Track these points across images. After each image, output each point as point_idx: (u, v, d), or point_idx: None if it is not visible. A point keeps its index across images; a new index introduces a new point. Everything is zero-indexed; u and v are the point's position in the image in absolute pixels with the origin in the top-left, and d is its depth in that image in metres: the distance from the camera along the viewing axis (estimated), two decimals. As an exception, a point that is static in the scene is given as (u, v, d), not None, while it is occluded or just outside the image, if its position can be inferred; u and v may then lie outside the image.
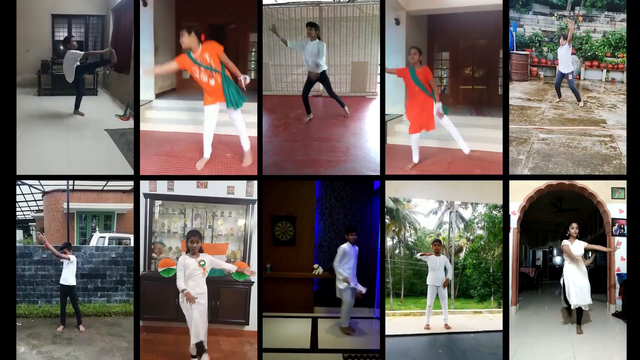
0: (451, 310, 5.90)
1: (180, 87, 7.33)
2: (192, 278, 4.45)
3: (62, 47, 6.17)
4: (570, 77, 6.19)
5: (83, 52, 6.22)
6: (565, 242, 5.29)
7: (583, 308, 5.20)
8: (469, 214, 6.02)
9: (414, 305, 5.54)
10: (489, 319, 5.75)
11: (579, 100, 6.22)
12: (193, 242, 4.46)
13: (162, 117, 6.27)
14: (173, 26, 7.01)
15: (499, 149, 4.91)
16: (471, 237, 6.07)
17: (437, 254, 5.43)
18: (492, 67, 6.83)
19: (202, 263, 4.47)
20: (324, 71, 6.25)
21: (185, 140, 5.69)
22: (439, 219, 5.98)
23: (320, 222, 6.63)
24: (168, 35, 6.81)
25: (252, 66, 7.10)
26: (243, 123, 4.99)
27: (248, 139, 5.01)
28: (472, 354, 4.94)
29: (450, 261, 5.88)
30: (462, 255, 6.13)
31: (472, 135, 5.52)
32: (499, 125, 5.03)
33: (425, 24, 6.79)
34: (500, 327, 4.83)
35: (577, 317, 5.24)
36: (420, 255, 5.51)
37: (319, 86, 6.61)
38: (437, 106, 5.16)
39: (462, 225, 6.05)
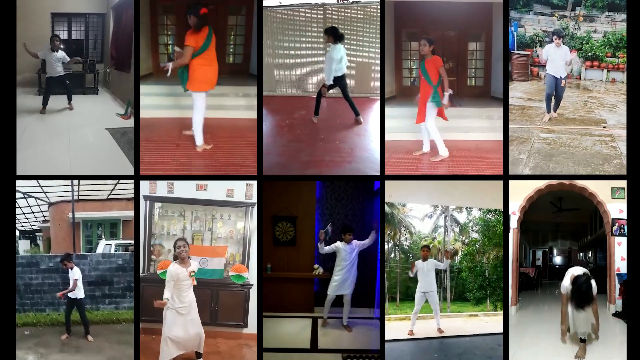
0: (447, 314, 5.91)
1: (158, 71, 7.06)
2: (180, 287, 4.36)
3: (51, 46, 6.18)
4: (563, 82, 5.80)
5: (69, 59, 6.24)
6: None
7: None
8: (464, 217, 6.04)
9: (410, 310, 5.52)
10: (484, 322, 5.74)
11: (554, 110, 5.84)
12: (179, 247, 4.40)
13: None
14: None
15: (472, 137, 5.15)
16: (466, 241, 6.09)
17: (425, 259, 5.39)
18: (461, 59, 6.75)
19: (193, 274, 4.40)
20: (337, 77, 6.14)
21: (163, 125, 5.70)
22: (434, 223, 5.99)
23: (321, 222, 6.62)
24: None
25: (231, 50, 6.97)
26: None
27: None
28: (467, 357, 4.93)
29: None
30: (457, 258, 6.14)
31: (444, 126, 5.52)
32: (470, 115, 5.20)
33: (392, 11, 6.55)
34: (496, 330, 4.82)
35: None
36: (411, 271, 5.48)
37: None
38: (446, 95, 5.21)
39: (457, 229, 6.06)
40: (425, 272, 5.38)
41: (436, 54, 5.29)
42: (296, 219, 6.46)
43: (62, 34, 6.81)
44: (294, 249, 6.48)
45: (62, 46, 6.18)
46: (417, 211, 5.82)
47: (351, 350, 5.05)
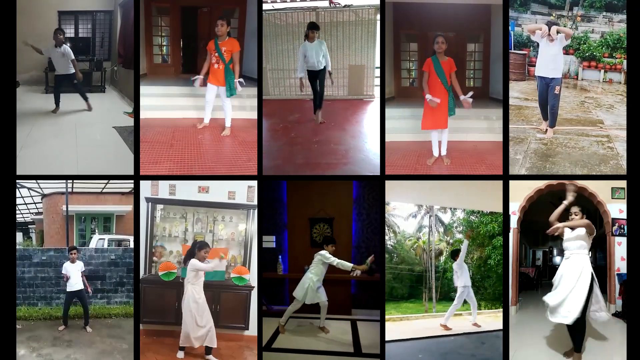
0: (432, 314, 5.96)
1: (151, 72, 7.25)
2: (197, 282, 4.68)
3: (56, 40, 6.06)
4: (557, 89, 5.28)
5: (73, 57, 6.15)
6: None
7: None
8: (448, 218, 6.05)
9: (394, 311, 5.50)
10: (469, 320, 5.74)
11: (550, 125, 5.45)
12: (207, 252, 4.72)
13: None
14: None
15: (470, 138, 5.27)
16: (451, 241, 6.09)
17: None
18: (460, 60, 6.76)
19: (222, 255, 4.82)
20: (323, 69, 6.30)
21: (157, 125, 5.78)
22: (419, 222, 5.99)
23: (358, 222, 6.54)
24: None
25: (224, 52, 7.12)
26: (230, 107, 5.80)
27: (231, 120, 5.80)
28: (451, 357, 4.92)
29: (430, 265, 6.00)
30: (442, 258, 6.15)
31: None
32: (469, 116, 5.24)
33: (390, 12, 6.58)
34: (484, 329, 4.88)
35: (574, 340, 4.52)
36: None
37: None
38: (468, 98, 5.22)
39: (441, 229, 6.07)
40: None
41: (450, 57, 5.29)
42: (333, 220, 6.40)
43: (69, 31, 6.83)
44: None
45: (67, 42, 6.10)
46: (401, 210, 5.82)
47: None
